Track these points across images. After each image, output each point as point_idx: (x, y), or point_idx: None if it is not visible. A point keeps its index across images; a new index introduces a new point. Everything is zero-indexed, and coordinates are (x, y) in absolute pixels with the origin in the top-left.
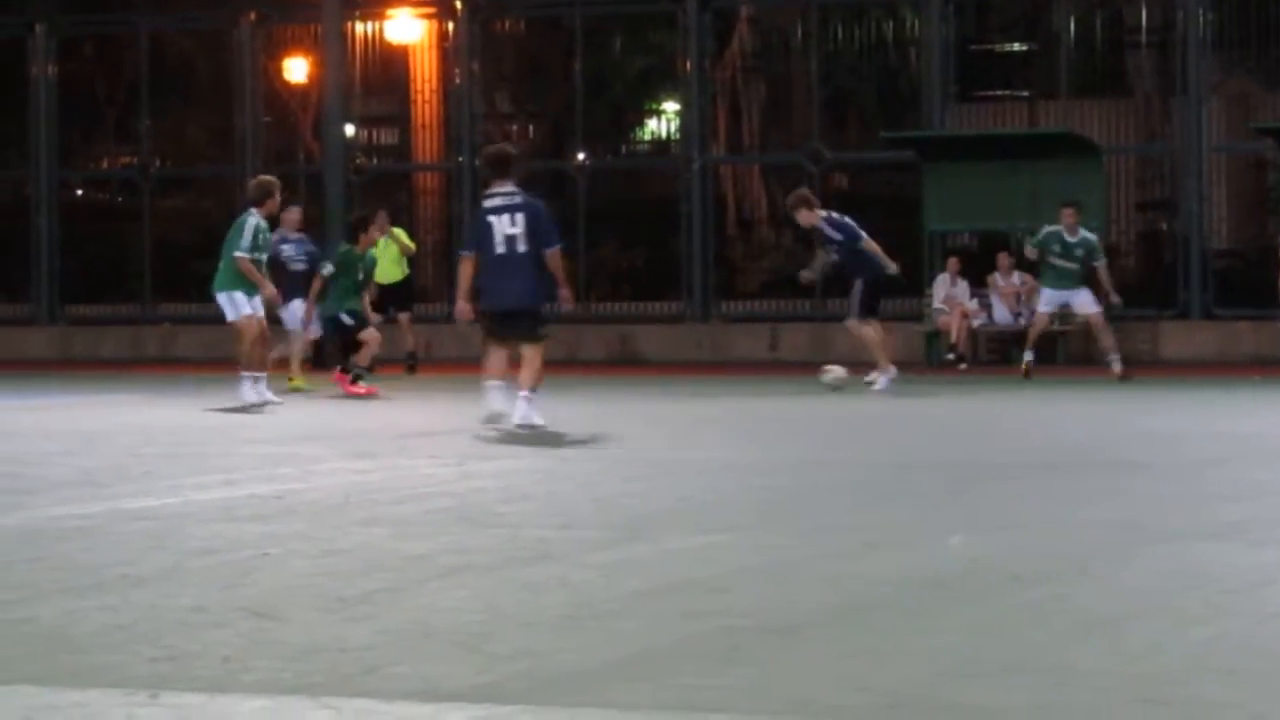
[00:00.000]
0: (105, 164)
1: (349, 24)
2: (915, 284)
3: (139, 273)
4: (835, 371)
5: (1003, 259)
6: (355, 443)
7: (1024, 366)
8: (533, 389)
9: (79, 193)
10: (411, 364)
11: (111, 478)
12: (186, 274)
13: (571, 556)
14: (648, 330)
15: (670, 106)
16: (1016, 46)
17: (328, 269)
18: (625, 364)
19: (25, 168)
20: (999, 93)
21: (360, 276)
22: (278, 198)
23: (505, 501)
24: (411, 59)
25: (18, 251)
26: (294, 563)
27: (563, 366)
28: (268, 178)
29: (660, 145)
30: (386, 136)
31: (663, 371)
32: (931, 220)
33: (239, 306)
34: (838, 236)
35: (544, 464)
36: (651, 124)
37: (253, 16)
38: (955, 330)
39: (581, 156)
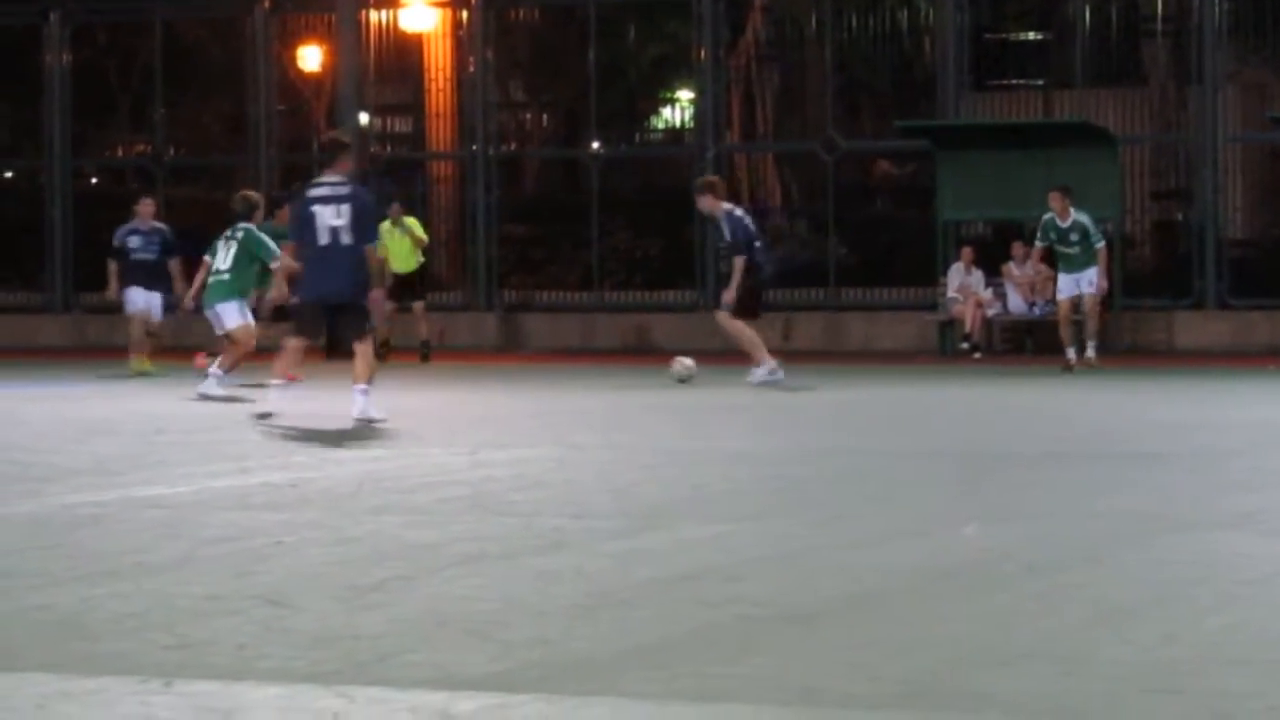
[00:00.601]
0: (119, 152)
1: (363, 12)
2: (929, 273)
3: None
4: (683, 363)
5: (1017, 248)
6: (364, 432)
7: (1072, 361)
8: (369, 381)
9: (93, 181)
10: (425, 352)
11: (125, 466)
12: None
13: (585, 545)
14: (661, 319)
15: (684, 95)
16: (1031, 35)
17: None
18: (639, 353)
19: (39, 157)
20: (1014, 82)
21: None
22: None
23: (518, 490)
24: (426, 47)
25: (31, 240)
26: (307, 551)
27: (577, 355)
28: (253, 193)
29: (674, 134)
30: (401, 125)
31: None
32: (945, 209)
33: (244, 315)
34: (728, 236)
35: (558, 453)
36: (665, 112)
37: (267, 4)
38: (970, 319)
39: (595, 145)
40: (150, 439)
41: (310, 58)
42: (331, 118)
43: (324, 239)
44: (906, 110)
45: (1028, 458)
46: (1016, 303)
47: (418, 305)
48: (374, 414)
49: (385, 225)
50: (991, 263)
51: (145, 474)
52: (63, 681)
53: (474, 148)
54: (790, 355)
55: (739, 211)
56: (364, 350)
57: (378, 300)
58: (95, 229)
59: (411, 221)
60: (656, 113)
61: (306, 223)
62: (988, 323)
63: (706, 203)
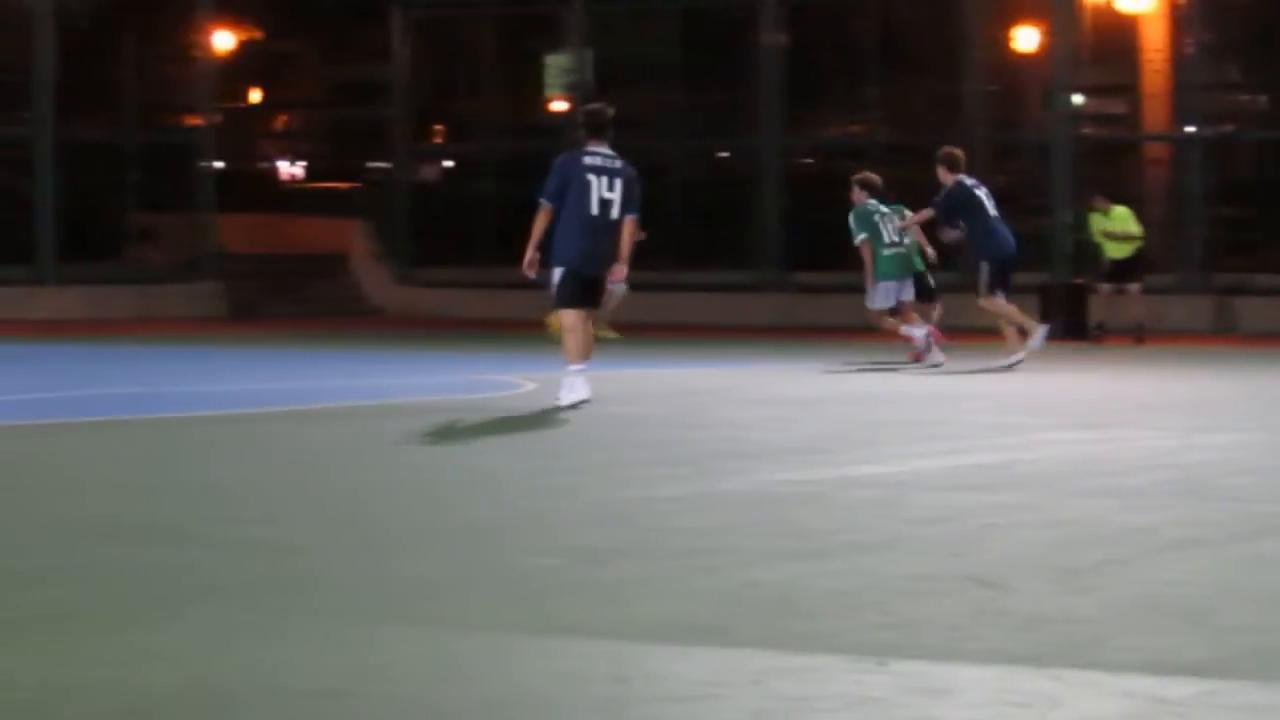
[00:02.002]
0: (832, 131)
1: None
2: None
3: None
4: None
5: None
6: (1077, 413)
7: None
8: (585, 361)
9: (807, 161)
10: (1139, 334)
11: (836, 444)
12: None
13: None
14: None
15: None
16: None
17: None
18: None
19: (752, 136)
20: None
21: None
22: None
23: (1231, 474)
24: (1141, 27)
25: (742, 220)
26: (1019, 533)
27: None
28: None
29: None
30: (1113, 106)
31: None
32: None
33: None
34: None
35: (1271, 438)
36: None
37: None
38: None
39: None
40: (860, 418)
41: (1023, 37)
42: (1043, 98)
43: (595, 210)
44: None
45: None
46: None
47: (1133, 287)
48: (572, 398)
49: (1096, 216)
50: None
51: (856, 453)
52: (777, 658)
53: (1188, 129)
54: None
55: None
56: (589, 326)
57: (619, 277)
58: (806, 209)
59: (1120, 212)
60: None
61: (580, 189)
62: None
63: (941, 175)
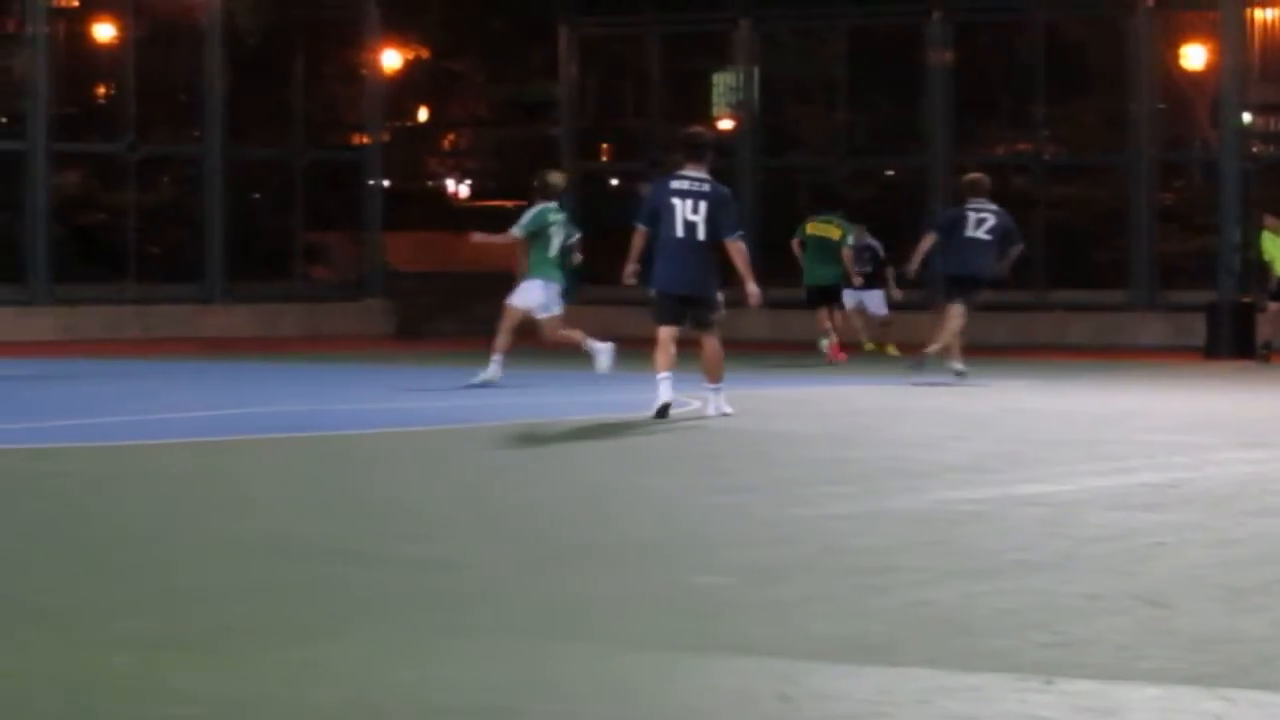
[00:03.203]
0: (1000, 150)
1: (1248, 10)
2: None
3: (1031, 259)
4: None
5: None
6: (1245, 432)
7: None
8: (718, 380)
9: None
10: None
11: (1003, 463)
12: (1080, 261)
13: None
14: None
15: None
16: None
17: None
18: None
19: (922, 154)
20: None
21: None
22: None
23: None
24: None
25: (909, 239)
26: (1189, 552)
27: None
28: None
29: None
30: None
31: None
32: None
33: None
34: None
35: None
36: None
37: (1150, 2)
38: None
39: None
40: (1028, 436)
41: (1193, 56)
42: (1213, 117)
43: (680, 232)
44: None
45: None
46: None
47: (1275, 306)
48: (726, 409)
49: (1266, 234)
50: None
51: (1025, 471)
52: (944, 677)
53: None
54: None
55: None
56: (711, 345)
57: (756, 297)
58: None
59: None
60: None
61: (664, 213)
62: None
63: None
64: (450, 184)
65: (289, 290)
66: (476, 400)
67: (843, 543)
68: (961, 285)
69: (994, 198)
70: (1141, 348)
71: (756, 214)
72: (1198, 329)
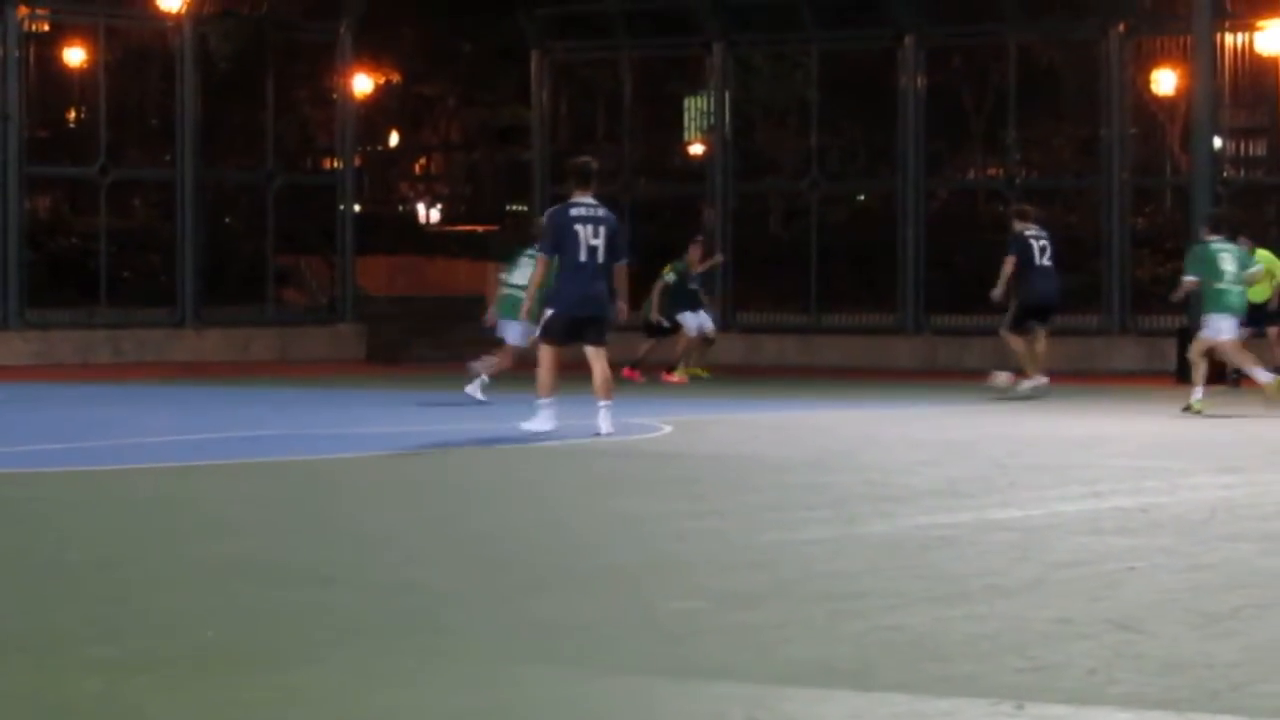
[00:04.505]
0: (971, 174)
1: (1219, 35)
2: None
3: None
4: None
5: None
6: (1217, 457)
7: None
8: (609, 397)
9: (946, 203)
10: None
11: (975, 488)
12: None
13: None
14: None
15: None
16: None
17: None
18: None
19: (893, 178)
20: None
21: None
22: None
23: None
24: None
25: (885, 261)
26: (1160, 577)
27: None
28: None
29: None
30: (1255, 148)
31: None
32: None
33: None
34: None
35: None
36: None
37: (1122, 28)
38: None
39: None
40: (1001, 462)
41: (1164, 80)
42: (1184, 141)
43: (584, 256)
44: None
45: None
46: None
47: (1273, 330)
48: (606, 429)
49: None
50: None
51: (997, 496)
52: (916, 701)
53: None
54: None
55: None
56: (605, 364)
57: (624, 314)
58: (946, 251)
59: (1263, 255)
60: None
61: (568, 239)
62: None
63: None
64: (422, 208)
65: (261, 314)
66: (449, 425)
67: (815, 567)
68: (1042, 313)
69: (965, 222)
70: (1114, 372)
71: (729, 237)
72: (1169, 353)
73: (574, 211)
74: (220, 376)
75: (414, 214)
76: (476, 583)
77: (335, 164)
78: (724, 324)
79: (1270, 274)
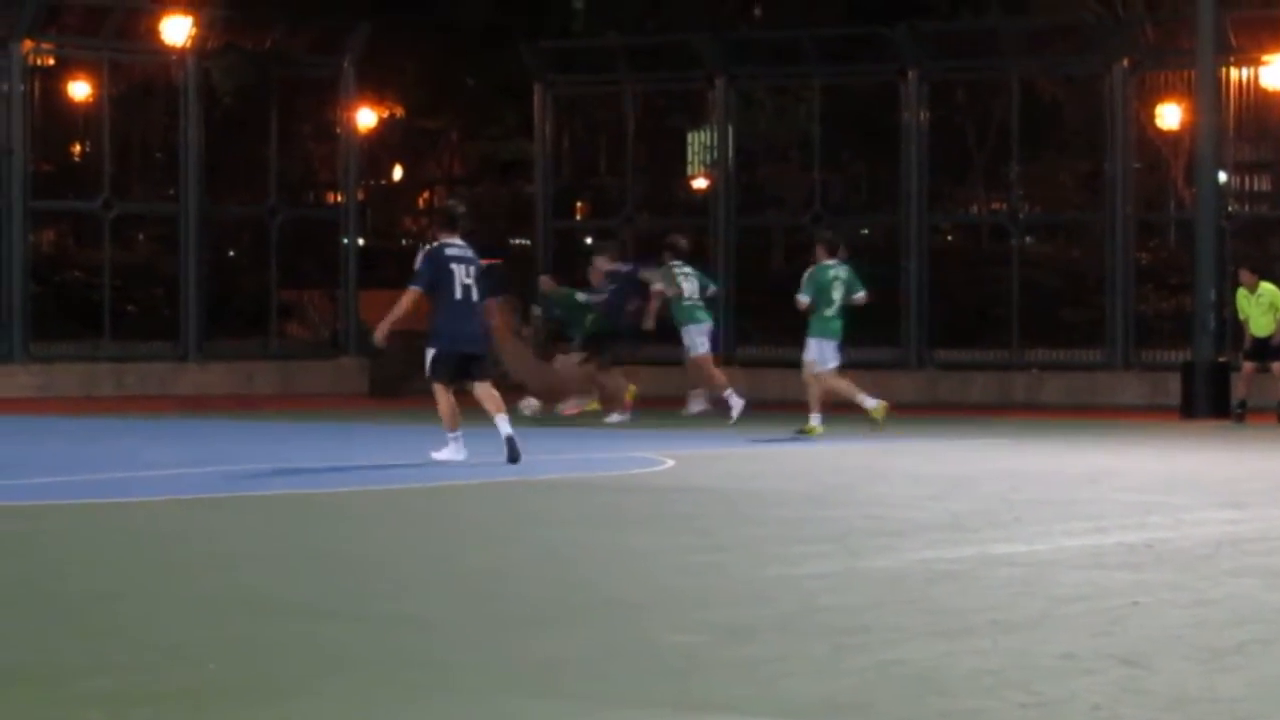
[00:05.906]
0: (974, 209)
1: (1223, 70)
2: None
3: (1007, 318)
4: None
5: None
6: (1221, 492)
7: None
8: (502, 411)
9: (949, 238)
10: None
11: (979, 522)
12: (1053, 320)
13: None
14: None
15: None
16: None
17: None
18: None
19: (896, 213)
20: None
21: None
22: None
23: None
24: None
25: (887, 296)
26: (1164, 612)
27: None
28: None
29: None
30: (1260, 183)
31: None
32: None
33: None
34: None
35: None
36: None
37: (1126, 63)
38: None
39: None
40: (1006, 496)
41: (1168, 115)
42: (1188, 176)
43: (459, 294)
44: None
45: None
46: None
47: (1277, 365)
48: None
49: (1241, 293)
50: None
51: (1001, 531)
52: None
53: None
54: None
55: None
56: (494, 389)
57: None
58: (949, 286)
59: (1267, 287)
60: None
61: (444, 279)
62: None
63: None
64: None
65: (264, 348)
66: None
67: (818, 601)
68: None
69: (965, 257)
70: (1118, 407)
71: (731, 272)
72: (1174, 388)
73: (449, 251)
74: (223, 410)
75: (417, 248)
76: (476, 616)
77: (338, 198)
78: (726, 358)
79: (1276, 307)
